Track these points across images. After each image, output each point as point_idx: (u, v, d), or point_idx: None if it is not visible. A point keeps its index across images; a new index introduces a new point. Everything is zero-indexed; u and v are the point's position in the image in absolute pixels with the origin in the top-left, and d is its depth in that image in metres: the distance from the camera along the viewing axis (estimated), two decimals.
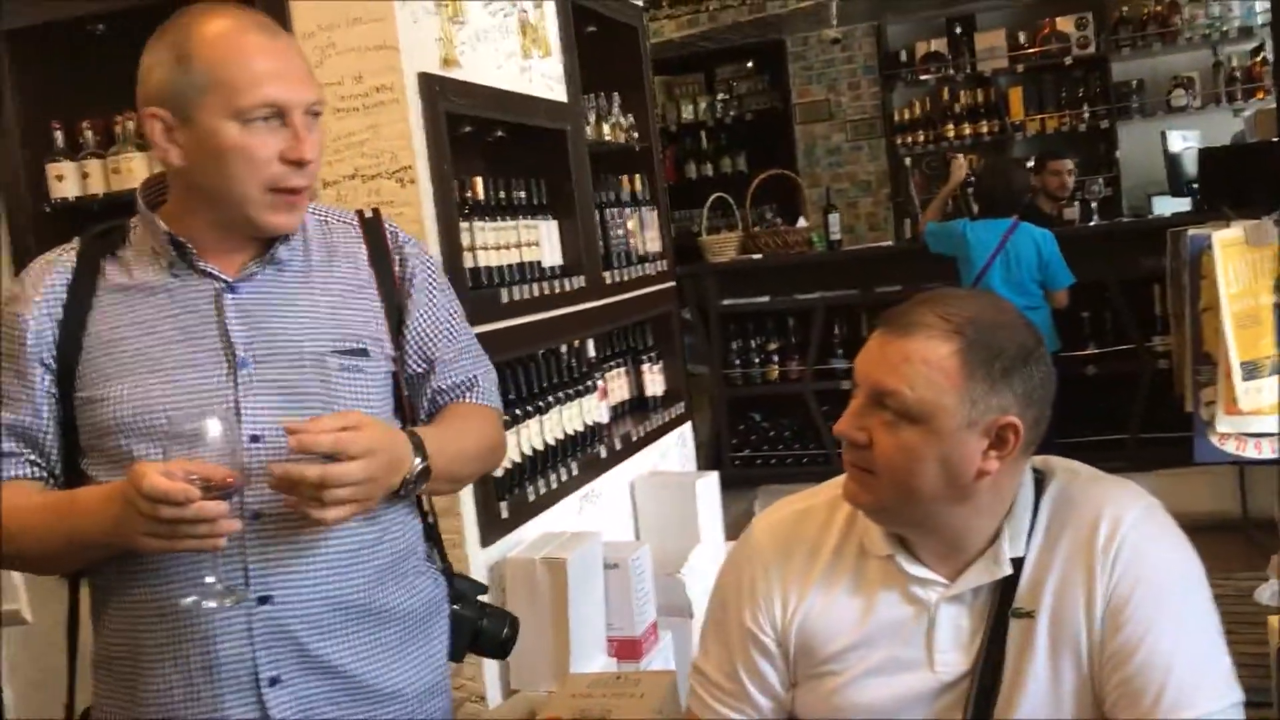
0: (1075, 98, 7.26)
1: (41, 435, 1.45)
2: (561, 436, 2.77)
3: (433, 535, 1.67)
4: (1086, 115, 7.21)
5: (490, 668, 2.41)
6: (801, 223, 5.83)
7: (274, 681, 1.43)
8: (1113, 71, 7.20)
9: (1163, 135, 6.21)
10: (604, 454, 2.98)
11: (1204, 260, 3.38)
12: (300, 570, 1.43)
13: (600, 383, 3.04)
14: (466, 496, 2.37)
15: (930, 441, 1.31)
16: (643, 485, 3.20)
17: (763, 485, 5.52)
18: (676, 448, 3.55)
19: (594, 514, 2.91)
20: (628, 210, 3.37)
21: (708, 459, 5.40)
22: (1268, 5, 6.66)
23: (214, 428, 1.29)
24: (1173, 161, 5.99)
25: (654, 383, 3.43)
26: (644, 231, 3.48)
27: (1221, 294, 3.29)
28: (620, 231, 3.30)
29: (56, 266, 1.48)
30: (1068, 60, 7.24)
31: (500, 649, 1.73)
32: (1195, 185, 5.62)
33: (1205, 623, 1.33)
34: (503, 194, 2.70)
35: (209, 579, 1.35)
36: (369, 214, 1.63)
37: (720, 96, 8.09)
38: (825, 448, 5.46)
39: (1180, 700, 1.27)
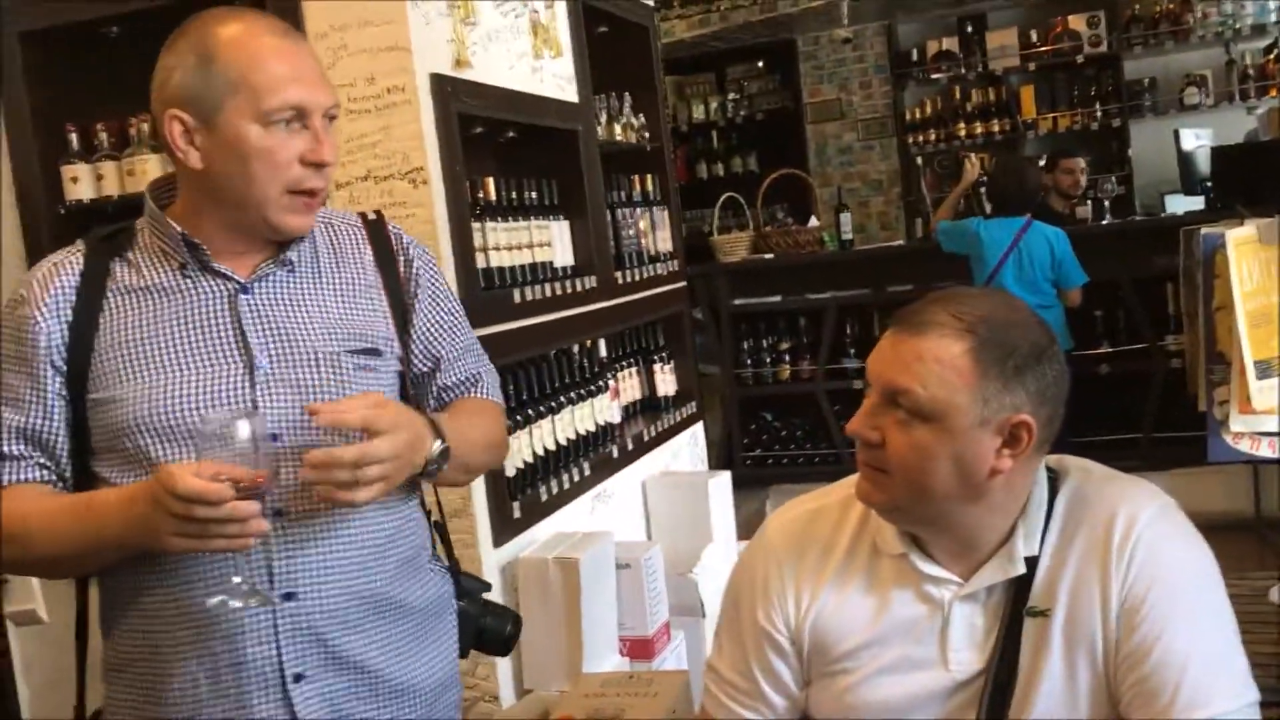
0: (1087, 96, 7.24)
1: (52, 438, 1.46)
2: (573, 436, 2.77)
3: (439, 533, 1.70)
4: (1099, 114, 7.19)
5: (503, 667, 2.42)
6: (813, 222, 5.82)
7: (299, 678, 1.44)
8: (1125, 70, 7.17)
9: (1175, 133, 6.18)
10: (616, 454, 2.98)
11: (1217, 259, 3.37)
12: (323, 566, 1.45)
13: (612, 383, 3.04)
14: (479, 497, 2.37)
15: (943, 440, 1.31)
16: (654, 485, 3.20)
17: (774, 485, 5.51)
18: (688, 447, 3.55)
19: (606, 514, 2.91)
20: (639, 210, 3.38)
21: (719, 459, 5.39)
22: None
23: (244, 428, 1.30)
24: (1186, 160, 5.96)
25: (665, 382, 3.43)
26: (655, 231, 3.48)
27: (1235, 293, 3.28)
28: (631, 231, 3.30)
29: (64, 268, 1.48)
30: (1080, 58, 7.22)
31: (504, 646, 1.76)
32: (1208, 184, 5.59)
33: (1221, 622, 1.32)
34: (514, 194, 2.71)
35: (236, 579, 1.36)
36: (372, 216, 1.65)
37: (731, 96, 8.09)
38: (837, 447, 5.45)
39: (1196, 699, 1.26)
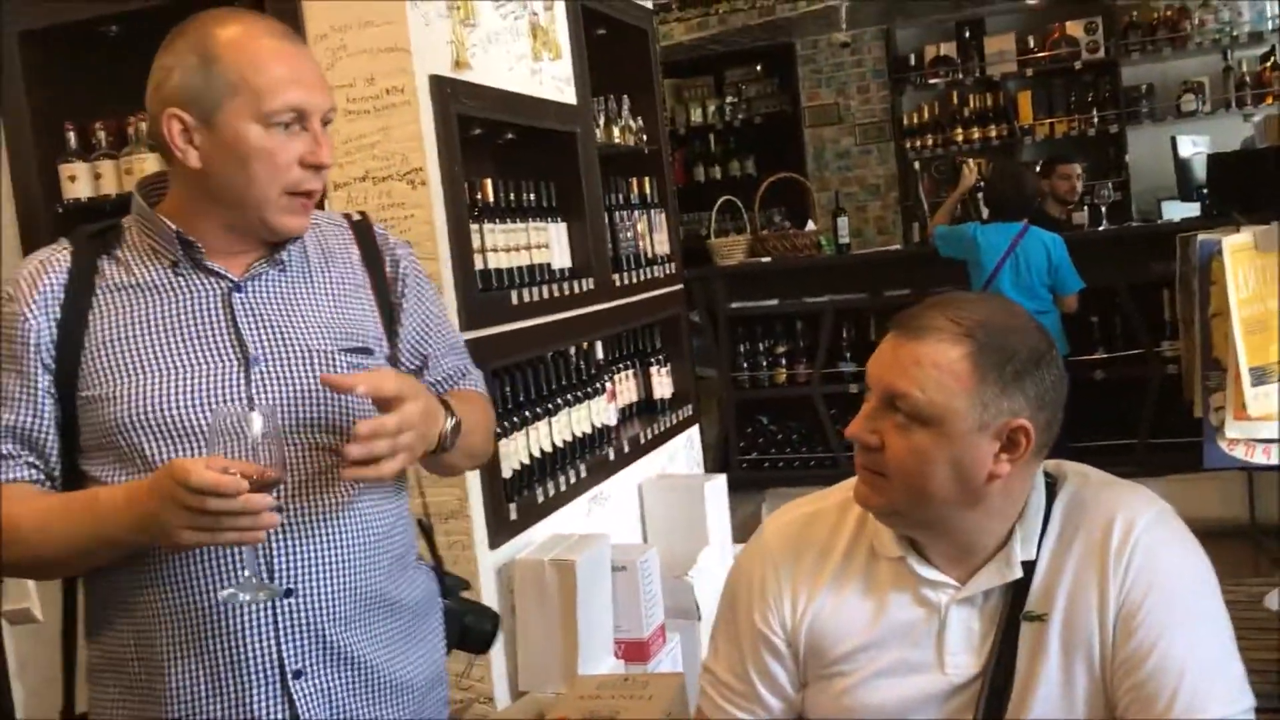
0: (1085, 102, 7.25)
1: (41, 437, 1.45)
2: (570, 438, 2.77)
3: (423, 532, 1.73)
4: (1096, 120, 7.20)
5: (498, 669, 2.42)
6: (810, 226, 5.83)
7: (298, 674, 1.45)
8: (1122, 76, 7.19)
9: (1172, 140, 6.19)
10: (612, 456, 2.98)
11: (1213, 265, 3.37)
12: (322, 563, 1.46)
13: (609, 385, 3.04)
14: (475, 498, 2.37)
15: (942, 444, 1.31)
16: (651, 487, 3.20)
17: (770, 488, 5.52)
18: (684, 450, 3.55)
19: (602, 516, 2.91)
20: (637, 213, 3.38)
21: (715, 461, 5.40)
22: (1278, 10, 6.66)
23: (257, 422, 1.30)
24: (1182, 166, 5.97)
25: (662, 385, 3.43)
26: (653, 234, 3.48)
27: (1231, 299, 3.28)
28: (629, 234, 3.30)
29: (51, 266, 1.48)
30: (1077, 64, 7.23)
31: (484, 644, 1.79)
32: (1205, 190, 5.60)
33: (1218, 628, 1.33)
34: (513, 196, 2.71)
35: (245, 572, 1.36)
36: (357, 217, 1.66)
37: (729, 99, 8.10)
38: (833, 451, 5.46)
39: (1193, 705, 1.27)
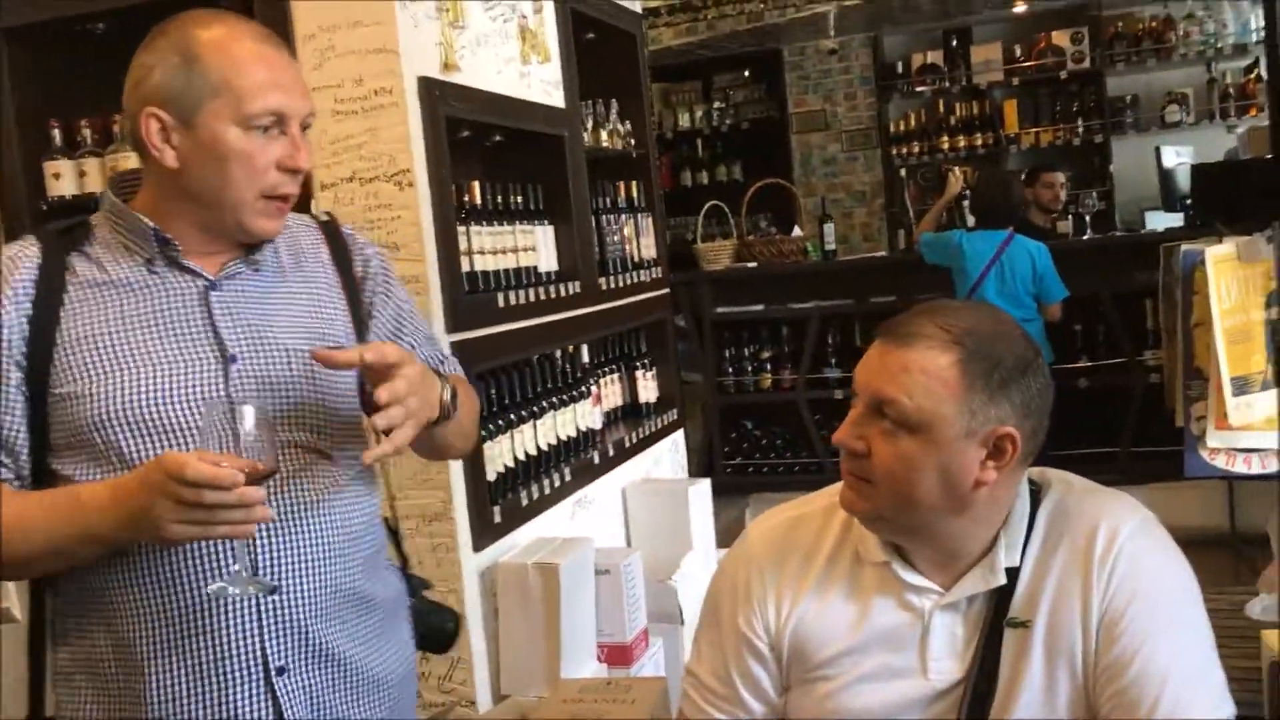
0: (1070, 112, 7.29)
1: (12, 435, 1.43)
2: (555, 442, 2.77)
3: (390, 532, 1.74)
4: (1081, 129, 7.25)
5: (481, 672, 2.41)
6: (796, 232, 5.83)
7: (281, 671, 1.45)
8: (1107, 86, 7.23)
9: (1157, 150, 6.22)
10: (597, 460, 2.98)
11: (1196, 276, 3.40)
12: (305, 559, 1.47)
13: (594, 388, 3.04)
14: (459, 501, 2.37)
15: (929, 451, 1.31)
16: (635, 491, 3.20)
17: (754, 493, 5.52)
18: (669, 454, 3.55)
19: (586, 520, 2.91)
20: (624, 216, 3.38)
21: (700, 466, 5.40)
22: (1262, 23, 6.70)
23: (250, 417, 1.30)
24: (1166, 177, 6.00)
25: (647, 389, 3.43)
26: (639, 238, 3.49)
27: (1213, 309, 3.31)
28: (616, 238, 3.31)
29: (20, 262, 1.46)
30: (1063, 74, 7.28)
31: (446, 643, 1.81)
32: (1188, 201, 5.63)
33: (1200, 636, 1.34)
34: (500, 199, 2.71)
35: (235, 566, 1.37)
36: (324, 217, 1.67)
37: (717, 105, 8.12)
38: (817, 456, 5.46)
39: (1175, 712, 1.27)
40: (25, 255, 1.47)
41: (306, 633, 1.47)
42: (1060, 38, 7.27)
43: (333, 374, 1.52)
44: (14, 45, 2.64)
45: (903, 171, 7.58)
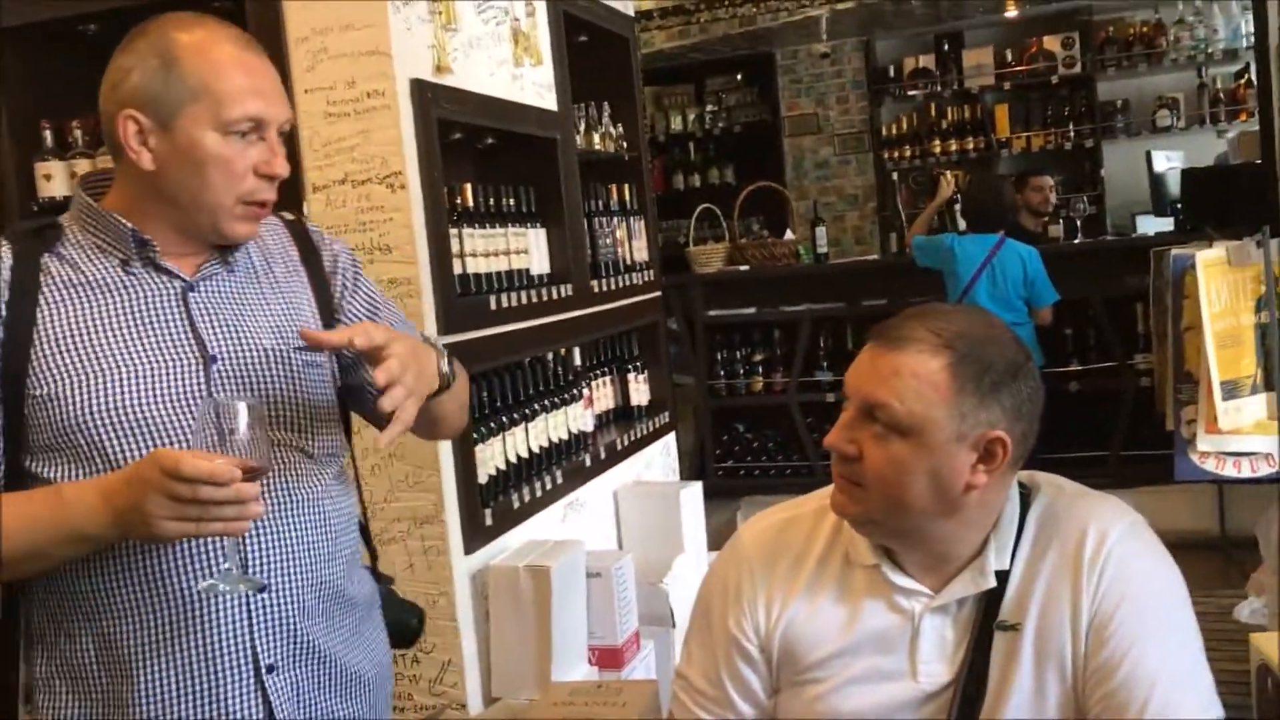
0: (1061, 116, 7.31)
1: None
2: (546, 444, 2.77)
3: (362, 531, 1.75)
4: (1072, 134, 7.27)
5: (472, 674, 2.41)
6: (788, 235, 5.85)
7: (271, 669, 1.46)
8: (1098, 91, 7.25)
9: (1147, 155, 6.25)
10: (588, 462, 2.98)
11: (1187, 280, 3.40)
12: (292, 557, 1.48)
13: (586, 391, 3.04)
14: (451, 503, 2.37)
15: (919, 455, 1.32)
16: (626, 494, 3.20)
17: (746, 496, 5.53)
18: (660, 457, 3.56)
19: (577, 522, 2.91)
20: (616, 219, 3.38)
21: (691, 469, 5.40)
22: (1252, 28, 6.73)
23: (243, 413, 1.30)
24: (1157, 181, 6.03)
25: (639, 392, 3.44)
26: (632, 241, 3.49)
27: (1204, 314, 3.31)
28: (608, 240, 3.31)
29: None
30: (1054, 79, 7.30)
31: (410, 640, 1.81)
32: (1179, 205, 5.65)
33: (1188, 639, 1.34)
34: (492, 201, 2.71)
35: (226, 564, 1.37)
36: (290, 216, 1.67)
37: (709, 108, 8.12)
38: (809, 459, 5.47)
39: (1164, 715, 1.28)
40: None
41: (295, 631, 1.48)
42: (1051, 42, 7.29)
43: (311, 373, 1.54)
44: (6, 46, 2.63)
45: (894, 175, 7.59)
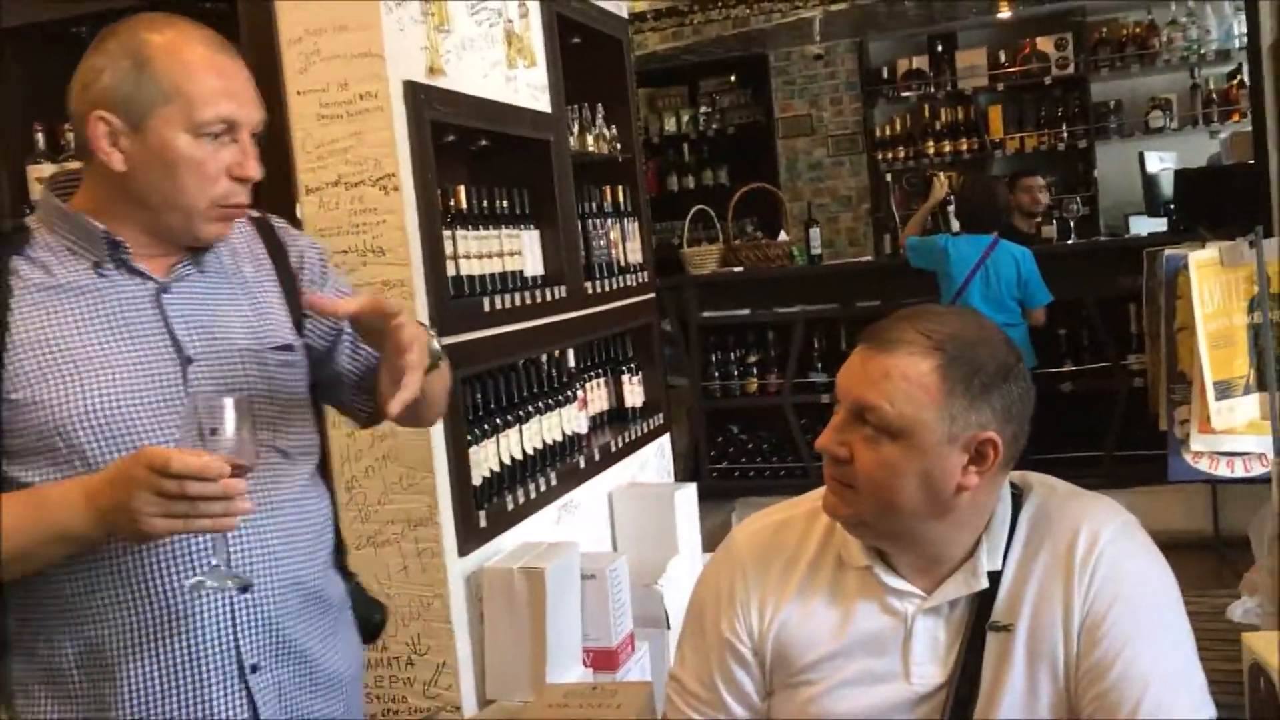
0: (1054, 117, 7.32)
1: None
2: (540, 446, 2.77)
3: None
4: (1065, 135, 7.28)
5: (466, 677, 2.41)
6: (782, 236, 5.85)
7: (255, 669, 1.47)
8: (1091, 92, 7.26)
9: (1140, 156, 6.25)
10: (583, 464, 2.98)
11: (1180, 280, 3.41)
12: (275, 557, 1.48)
13: (580, 393, 3.04)
14: (445, 505, 2.36)
15: (911, 457, 1.32)
16: (621, 496, 3.20)
17: (740, 497, 5.53)
18: (655, 459, 3.56)
19: (572, 524, 2.91)
20: (610, 221, 3.38)
21: (686, 470, 5.40)
22: (1245, 29, 6.75)
23: (229, 412, 1.30)
24: (1150, 182, 6.04)
25: (633, 394, 3.43)
26: (625, 242, 3.49)
27: (1196, 314, 3.32)
28: (602, 242, 3.31)
29: None
30: (1047, 80, 7.31)
31: (373, 635, 1.81)
32: (1172, 206, 5.66)
33: (1181, 638, 1.34)
34: (486, 203, 2.70)
35: (214, 560, 1.37)
36: (256, 214, 1.66)
37: (703, 109, 8.12)
38: (803, 460, 5.47)
39: (1156, 715, 1.28)
40: None
41: (277, 631, 1.49)
42: (1045, 43, 7.30)
43: (285, 372, 1.55)
44: (3, 48, 2.63)
45: (888, 176, 7.60)
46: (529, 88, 2.92)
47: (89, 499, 1.32)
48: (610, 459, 3.17)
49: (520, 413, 2.69)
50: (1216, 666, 1.58)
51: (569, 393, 2.94)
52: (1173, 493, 4.57)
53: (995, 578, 1.38)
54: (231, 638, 1.45)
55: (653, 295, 3.68)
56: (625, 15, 3.72)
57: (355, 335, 1.63)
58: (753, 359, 5.61)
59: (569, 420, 2.91)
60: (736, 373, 5.62)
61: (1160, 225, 5.76)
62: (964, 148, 7.42)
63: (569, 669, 2.50)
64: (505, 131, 2.81)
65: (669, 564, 2.99)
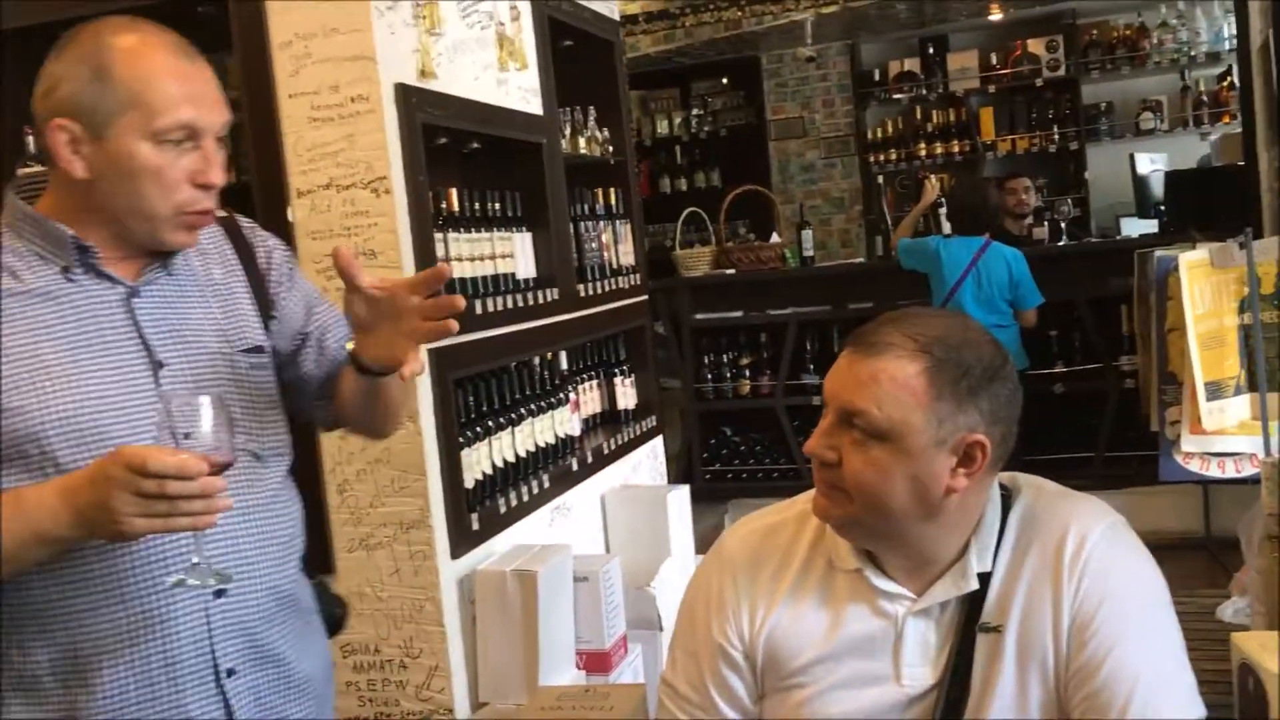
0: (1045, 119, 7.34)
1: None
2: (533, 449, 2.77)
3: None
4: (1056, 136, 7.30)
5: (459, 680, 2.41)
6: (775, 238, 5.86)
7: (230, 673, 1.47)
8: (1082, 93, 7.28)
9: (1131, 157, 6.28)
10: (575, 466, 2.98)
11: (1170, 281, 3.43)
12: (249, 561, 1.49)
13: (572, 395, 3.04)
14: (437, 508, 2.36)
15: (899, 460, 1.32)
16: (613, 498, 3.20)
17: (733, 499, 5.54)
18: (648, 461, 3.56)
19: (565, 526, 2.91)
20: (602, 223, 3.38)
21: (678, 472, 5.41)
22: (1235, 31, 6.78)
23: (206, 409, 1.30)
24: (1141, 183, 6.06)
25: (626, 396, 3.44)
26: (618, 245, 3.49)
27: (1187, 315, 3.33)
28: (594, 244, 3.31)
29: None
30: (1038, 82, 7.33)
31: (333, 630, 1.81)
32: (1162, 207, 5.69)
33: (1170, 638, 1.35)
34: (478, 206, 2.70)
35: (194, 559, 1.36)
36: (222, 213, 1.65)
37: (695, 112, 8.13)
38: (795, 462, 5.48)
39: (1145, 715, 1.28)
40: None
41: (253, 635, 1.49)
42: (1036, 45, 7.32)
43: (257, 374, 1.55)
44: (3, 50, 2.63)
45: (880, 178, 7.61)
46: (520, 90, 2.92)
47: (67, 499, 1.31)
48: (603, 461, 3.17)
49: (513, 415, 2.69)
50: (1206, 666, 1.59)
51: (561, 395, 2.94)
52: (1164, 493, 4.59)
53: (985, 579, 1.39)
54: (207, 642, 1.44)
55: (645, 297, 3.68)
56: (617, 18, 3.72)
57: (320, 341, 1.64)
58: (745, 361, 5.62)
59: (561, 423, 2.91)
60: (729, 375, 5.62)
61: (1151, 226, 5.78)
62: (955, 150, 7.44)
63: (562, 672, 2.50)
64: (497, 134, 2.81)
65: (662, 566, 2.99)
